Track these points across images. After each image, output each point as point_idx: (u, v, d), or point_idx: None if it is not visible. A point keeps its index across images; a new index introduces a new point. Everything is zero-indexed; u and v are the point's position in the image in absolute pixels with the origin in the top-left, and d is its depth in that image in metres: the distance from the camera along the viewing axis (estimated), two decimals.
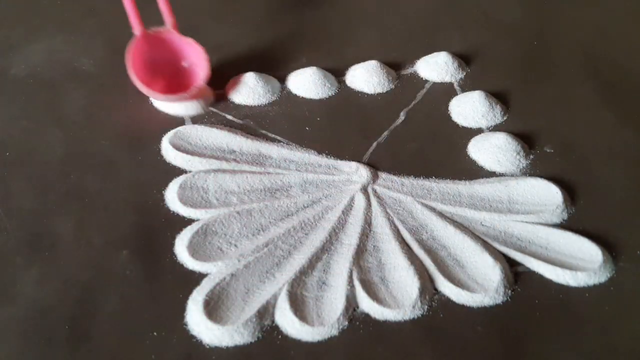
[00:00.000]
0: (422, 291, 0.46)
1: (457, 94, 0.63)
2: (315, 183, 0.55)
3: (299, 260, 0.48)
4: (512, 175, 0.56)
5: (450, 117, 0.62)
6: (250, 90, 0.61)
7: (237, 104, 0.61)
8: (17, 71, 0.65)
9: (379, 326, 0.45)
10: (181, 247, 0.49)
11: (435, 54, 0.67)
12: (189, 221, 0.51)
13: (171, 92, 0.59)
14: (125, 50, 0.61)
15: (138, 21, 0.59)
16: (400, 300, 0.46)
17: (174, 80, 0.61)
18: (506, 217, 0.52)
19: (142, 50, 0.59)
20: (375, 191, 0.54)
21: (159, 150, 0.57)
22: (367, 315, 0.46)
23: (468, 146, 0.59)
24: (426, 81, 0.65)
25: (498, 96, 0.63)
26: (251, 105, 0.61)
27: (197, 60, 0.60)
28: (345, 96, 0.64)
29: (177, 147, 0.56)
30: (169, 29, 0.60)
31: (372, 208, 0.53)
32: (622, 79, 0.67)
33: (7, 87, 0.63)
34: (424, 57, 0.67)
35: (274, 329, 0.45)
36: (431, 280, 0.48)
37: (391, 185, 0.55)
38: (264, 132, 0.59)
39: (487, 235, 0.51)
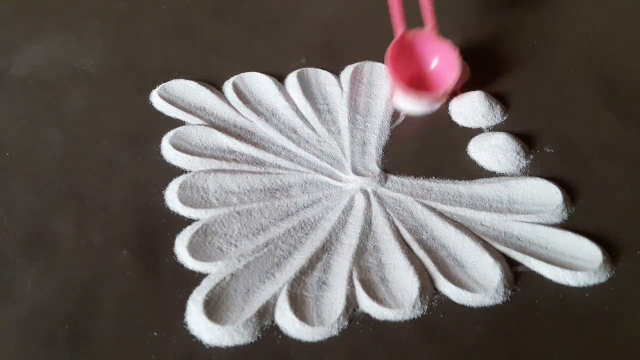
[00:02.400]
0: (422, 291, 0.46)
1: (457, 94, 0.63)
2: (315, 183, 0.55)
3: (299, 260, 0.48)
4: (512, 175, 0.56)
5: (450, 117, 0.62)
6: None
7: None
8: (17, 71, 0.65)
9: (379, 326, 0.45)
10: (181, 247, 0.49)
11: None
12: (189, 221, 0.51)
13: (421, 90, 0.61)
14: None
15: (401, 21, 0.61)
16: (400, 300, 0.46)
17: (421, 79, 0.63)
18: (506, 217, 0.52)
19: (400, 49, 0.61)
20: (375, 191, 0.54)
21: (159, 150, 0.57)
22: (367, 315, 0.46)
23: (468, 146, 0.59)
24: None
25: (498, 96, 0.63)
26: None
27: (448, 63, 0.61)
28: None
29: (177, 147, 0.56)
30: (428, 30, 0.62)
31: (372, 208, 0.53)
32: (622, 79, 0.67)
33: (7, 87, 0.63)
34: None
35: (274, 329, 0.45)
36: (431, 280, 0.48)
37: (391, 185, 0.55)
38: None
39: (487, 235, 0.51)
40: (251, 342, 0.44)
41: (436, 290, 0.47)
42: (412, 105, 0.61)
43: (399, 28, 0.62)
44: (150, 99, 0.62)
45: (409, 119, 0.61)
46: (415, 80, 0.62)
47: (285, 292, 0.46)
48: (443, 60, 0.62)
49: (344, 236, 0.50)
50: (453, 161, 0.58)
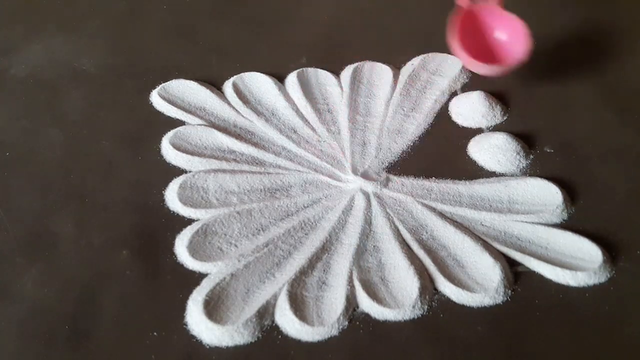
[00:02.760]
0: (422, 291, 0.46)
1: (457, 94, 0.63)
2: (315, 183, 0.55)
3: (299, 260, 0.48)
4: (512, 175, 0.56)
5: (450, 117, 0.62)
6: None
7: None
8: (17, 71, 0.65)
9: (379, 326, 0.45)
10: (181, 247, 0.49)
11: (434, 54, 0.67)
12: (189, 221, 0.51)
13: (490, 63, 0.60)
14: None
15: None
16: (400, 300, 0.46)
17: (492, 52, 0.62)
18: (506, 217, 0.52)
19: (465, 21, 0.61)
20: (375, 192, 0.54)
21: (159, 150, 0.57)
22: (367, 315, 0.46)
23: (468, 146, 0.59)
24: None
25: (498, 96, 0.63)
26: None
27: (516, 35, 0.61)
28: None
29: (177, 147, 0.56)
30: (494, 3, 0.61)
31: (372, 208, 0.53)
32: (622, 79, 0.67)
33: (7, 87, 0.63)
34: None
35: (274, 329, 0.45)
36: (431, 280, 0.48)
37: (391, 186, 0.55)
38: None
39: (487, 235, 0.51)
40: (251, 342, 0.44)
41: (436, 290, 0.47)
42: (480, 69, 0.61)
43: (463, 1, 0.61)
44: (150, 99, 0.62)
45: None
46: (482, 51, 0.62)
47: (285, 292, 0.46)
48: (511, 33, 0.62)
49: (344, 236, 0.50)
50: (453, 161, 0.58)
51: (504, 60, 0.61)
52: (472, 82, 0.65)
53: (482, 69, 0.60)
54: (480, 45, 0.62)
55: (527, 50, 0.59)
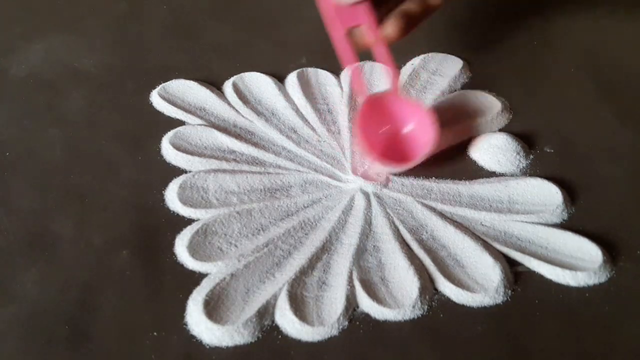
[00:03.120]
0: (422, 291, 0.46)
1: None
2: (315, 183, 0.55)
3: (299, 260, 0.48)
4: (512, 175, 0.56)
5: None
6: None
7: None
8: (17, 71, 0.65)
9: (379, 326, 0.45)
10: (181, 247, 0.49)
11: (434, 54, 0.67)
12: (189, 221, 0.51)
13: (396, 160, 0.54)
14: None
15: (363, 86, 0.56)
16: (400, 300, 0.46)
17: (398, 146, 0.56)
18: (506, 217, 0.52)
19: (367, 116, 0.55)
20: (375, 192, 0.54)
21: (159, 150, 0.57)
22: (367, 315, 0.46)
23: (468, 146, 0.59)
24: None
25: (498, 96, 0.63)
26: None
27: (421, 124, 0.55)
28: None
29: (177, 147, 0.56)
30: (392, 92, 0.56)
31: (372, 208, 0.53)
32: (622, 79, 0.67)
33: (7, 87, 0.63)
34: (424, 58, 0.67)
35: (274, 329, 0.45)
36: (431, 280, 0.48)
37: (391, 186, 0.55)
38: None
39: (487, 235, 0.51)
40: (251, 342, 0.44)
41: (436, 290, 0.47)
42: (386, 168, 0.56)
43: (360, 95, 0.56)
44: (150, 99, 0.62)
45: None
46: (388, 143, 0.56)
47: (285, 292, 0.46)
48: (417, 124, 0.56)
49: (344, 236, 0.50)
50: (453, 161, 0.58)
51: (411, 152, 0.55)
52: (472, 83, 0.65)
53: (392, 167, 0.55)
54: (388, 138, 0.56)
55: (434, 140, 0.53)
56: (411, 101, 0.58)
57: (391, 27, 0.53)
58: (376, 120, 0.55)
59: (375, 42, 0.53)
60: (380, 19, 0.54)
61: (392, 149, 0.56)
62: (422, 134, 0.55)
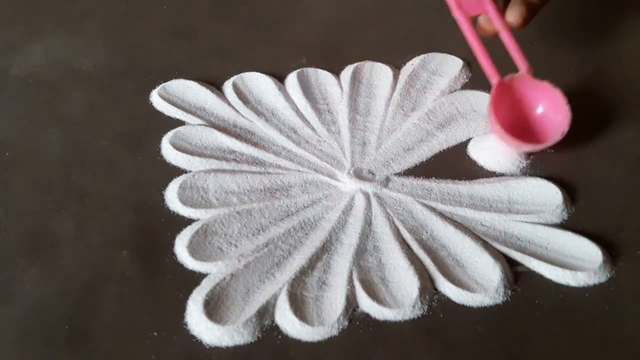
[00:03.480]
0: (422, 291, 0.46)
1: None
2: (315, 183, 0.55)
3: (299, 260, 0.48)
4: (512, 175, 0.56)
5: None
6: None
7: None
8: (17, 71, 0.65)
9: (379, 326, 0.45)
10: (181, 247, 0.49)
11: (434, 54, 0.67)
12: (189, 221, 0.51)
13: (532, 141, 0.56)
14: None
15: (494, 70, 0.56)
16: (400, 300, 0.46)
17: (531, 128, 0.57)
18: (506, 217, 0.52)
19: (500, 99, 0.56)
20: (375, 192, 0.54)
21: (159, 150, 0.57)
22: (367, 315, 0.46)
23: (468, 146, 0.59)
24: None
25: None
26: None
27: (554, 105, 0.56)
28: None
29: (177, 147, 0.56)
30: (523, 74, 0.56)
31: (372, 208, 0.53)
32: (622, 79, 0.67)
33: (7, 87, 0.63)
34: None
35: (274, 329, 0.45)
36: (431, 280, 0.48)
37: (391, 186, 0.55)
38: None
39: (487, 235, 0.51)
40: (251, 342, 0.44)
41: (436, 290, 0.47)
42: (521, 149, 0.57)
43: (492, 78, 0.57)
44: (150, 99, 0.62)
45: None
46: (520, 126, 0.57)
47: (285, 292, 0.46)
48: (549, 105, 0.57)
49: (344, 236, 0.50)
50: (453, 161, 0.58)
51: (544, 133, 0.56)
52: (472, 83, 0.65)
53: (525, 147, 0.56)
54: (519, 120, 0.57)
55: (568, 121, 0.55)
56: (542, 83, 0.58)
57: (513, 14, 0.56)
58: (509, 103, 0.57)
59: (500, 29, 0.57)
60: (502, 9, 0.57)
61: (526, 130, 0.57)
62: (554, 115, 0.56)
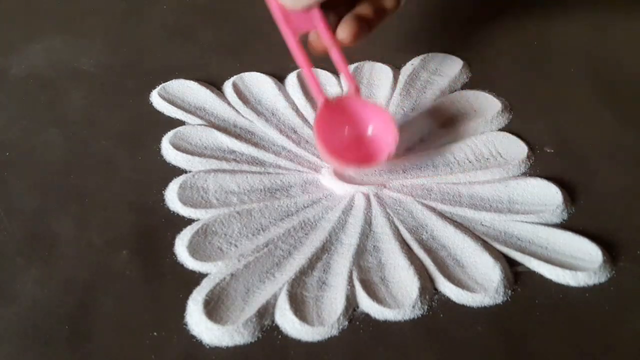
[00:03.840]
0: (422, 291, 0.46)
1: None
2: (315, 183, 0.55)
3: (299, 260, 0.48)
4: (512, 175, 0.56)
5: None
6: None
7: None
8: (17, 71, 0.65)
9: (379, 326, 0.45)
10: (181, 247, 0.49)
11: (434, 54, 0.67)
12: (189, 221, 0.51)
13: (359, 162, 0.53)
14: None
15: (319, 90, 0.53)
16: (400, 300, 0.46)
17: (360, 148, 0.54)
18: (506, 217, 0.52)
19: (326, 119, 0.53)
20: (375, 191, 0.54)
21: (159, 150, 0.57)
22: (367, 315, 0.46)
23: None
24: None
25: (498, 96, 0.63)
26: None
27: (383, 125, 0.54)
28: None
29: (177, 147, 0.56)
30: (351, 94, 0.54)
31: (372, 208, 0.53)
32: (622, 78, 0.67)
33: (7, 87, 0.63)
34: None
35: (274, 329, 0.45)
36: (431, 280, 0.48)
37: (391, 185, 0.55)
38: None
39: (487, 235, 0.51)
40: (251, 342, 0.44)
41: (436, 290, 0.47)
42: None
43: (318, 98, 0.53)
44: (150, 99, 0.62)
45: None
46: (351, 146, 0.54)
47: (285, 292, 0.46)
48: (378, 126, 0.54)
49: (344, 236, 0.50)
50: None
51: (380, 153, 0.53)
52: (472, 83, 0.65)
53: (349, 168, 0.54)
54: (356, 140, 0.54)
55: (395, 142, 0.52)
56: (371, 103, 0.56)
57: (344, 31, 0.51)
58: (336, 122, 0.54)
59: (330, 46, 0.52)
60: (333, 25, 0.53)
61: (354, 151, 0.54)
62: (384, 135, 0.54)
